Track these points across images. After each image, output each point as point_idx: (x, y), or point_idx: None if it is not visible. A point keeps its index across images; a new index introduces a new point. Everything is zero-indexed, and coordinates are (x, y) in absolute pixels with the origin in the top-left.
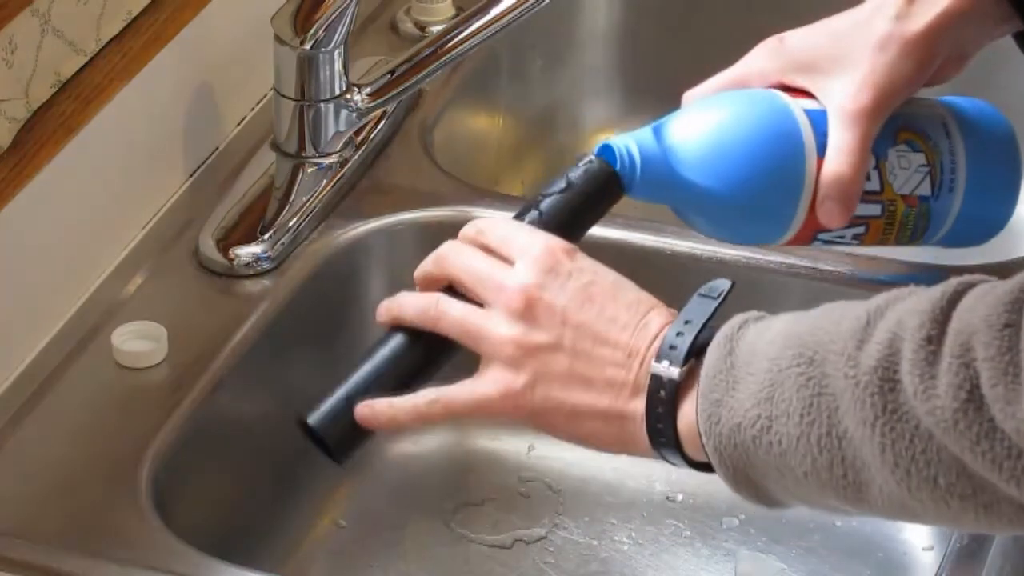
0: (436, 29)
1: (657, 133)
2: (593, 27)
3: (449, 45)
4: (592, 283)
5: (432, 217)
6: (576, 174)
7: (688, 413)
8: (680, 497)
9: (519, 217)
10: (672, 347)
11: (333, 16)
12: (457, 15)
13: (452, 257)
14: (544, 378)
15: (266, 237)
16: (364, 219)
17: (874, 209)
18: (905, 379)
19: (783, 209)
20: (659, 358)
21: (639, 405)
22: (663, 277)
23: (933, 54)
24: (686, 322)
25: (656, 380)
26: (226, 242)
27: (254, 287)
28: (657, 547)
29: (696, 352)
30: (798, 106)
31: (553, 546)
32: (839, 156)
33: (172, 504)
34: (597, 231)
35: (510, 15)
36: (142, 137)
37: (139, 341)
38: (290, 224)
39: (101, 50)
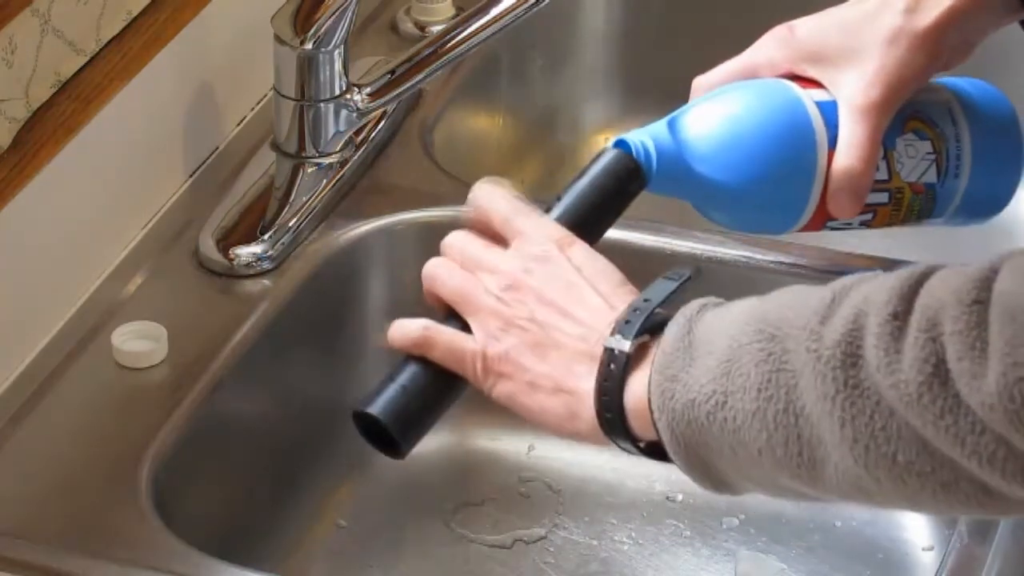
0: (436, 29)
1: (671, 127)
2: (593, 27)
3: (449, 45)
4: (579, 270)
5: (432, 217)
6: (596, 167)
7: (638, 390)
8: (680, 497)
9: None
10: (627, 322)
11: (333, 16)
12: (457, 15)
13: (455, 245)
14: (514, 349)
15: (266, 237)
16: (364, 219)
17: (882, 197)
18: (869, 353)
19: (795, 200)
20: (613, 332)
21: (590, 381)
22: None
23: (941, 47)
24: (644, 300)
25: (608, 353)
26: (226, 242)
27: (254, 287)
28: (657, 547)
29: (652, 330)
30: (809, 97)
31: (553, 546)
32: (850, 150)
33: (172, 504)
34: None
35: (510, 15)
36: (142, 137)
37: (139, 341)
38: (290, 224)
39: (101, 50)
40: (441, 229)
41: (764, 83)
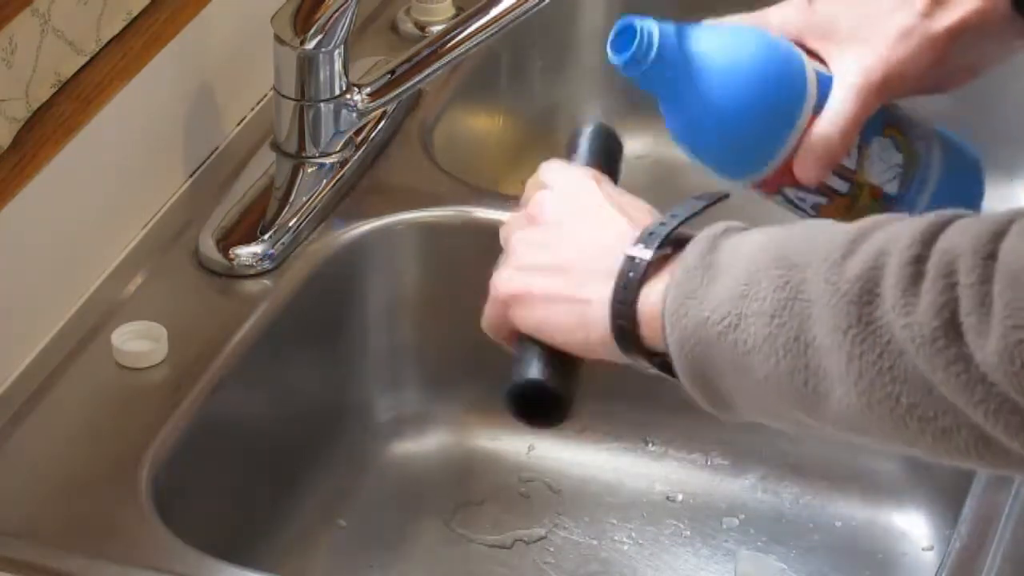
0: (436, 29)
1: (680, 31)
2: (593, 27)
3: (449, 45)
4: (608, 196)
5: (432, 217)
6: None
7: (654, 300)
8: (680, 497)
9: None
10: (651, 233)
11: (333, 16)
12: (457, 15)
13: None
14: (536, 268)
15: (266, 237)
16: (364, 219)
17: (842, 185)
18: (886, 292)
19: (766, 147)
20: (636, 242)
21: (607, 289)
22: None
23: (949, 56)
24: (671, 215)
25: (628, 261)
26: (226, 242)
27: (254, 287)
28: (657, 547)
29: (676, 244)
30: (811, 65)
31: (553, 546)
32: (834, 118)
33: (172, 504)
34: None
35: (510, 15)
36: (142, 137)
37: (139, 341)
38: (290, 224)
39: (101, 50)
40: (441, 229)
41: (774, 36)
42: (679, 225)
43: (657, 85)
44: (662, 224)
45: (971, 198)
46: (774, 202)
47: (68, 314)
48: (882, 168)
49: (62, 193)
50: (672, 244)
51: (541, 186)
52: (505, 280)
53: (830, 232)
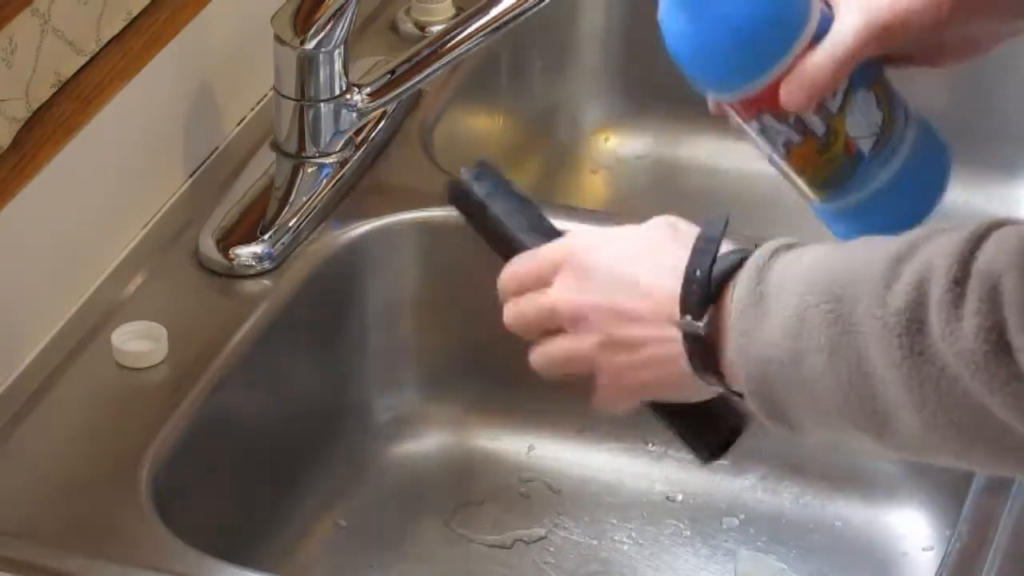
0: (436, 29)
1: None
2: (593, 27)
3: (449, 45)
4: (610, 267)
5: (432, 217)
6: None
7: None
8: (680, 497)
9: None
10: (687, 297)
11: (333, 16)
12: (457, 15)
13: (512, 320)
14: (613, 369)
15: (266, 237)
16: (364, 219)
17: (819, 127)
18: (932, 322)
19: (761, 58)
20: (682, 314)
21: (684, 361)
22: None
23: (953, 17)
24: (695, 272)
25: (687, 338)
26: (226, 242)
27: (254, 287)
28: (657, 547)
29: (722, 279)
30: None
31: (553, 546)
32: (830, 49)
33: (172, 504)
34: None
35: (510, 15)
36: (142, 137)
37: (139, 341)
38: (290, 224)
39: (101, 50)
40: (441, 229)
41: None
42: (711, 275)
43: None
44: (692, 285)
45: (935, 182)
46: (746, 133)
47: (68, 314)
48: (861, 122)
49: (62, 193)
50: (716, 282)
51: (555, 263)
52: (604, 359)
53: (870, 256)
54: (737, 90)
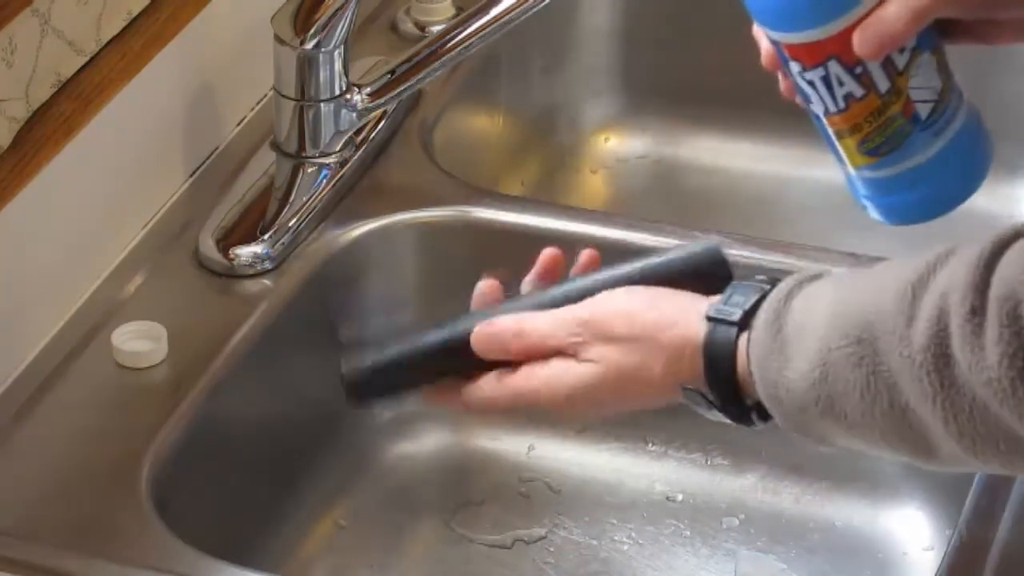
0: (436, 29)
1: None
2: (593, 27)
3: (449, 45)
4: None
5: (432, 217)
6: (686, 253)
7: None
8: (680, 497)
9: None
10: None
11: (333, 16)
12: (457, 15)
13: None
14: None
15: (266, 237)
16: (364, 219)
17: (883, 82)
18: (957, 355)
19: (836, 4)
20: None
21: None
22: None
23: None
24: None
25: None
26: (226, 242)
27: (254, 287)
28: (657, 547)
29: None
30: None
31: (553, 546)
32: (903, 3)
33: (172, 504)
34: (597, 231)
35: (510, 15)
36: (142, 137)
37: (139, 341)
38: (290, 224)
39: (101, 50)
40: (441, 229)
41: None
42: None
43: None
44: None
45: (979, 166)
46: (803, 82)
47: (68, 314)
48: (923, 83)
49: (62, 193)
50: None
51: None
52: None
53: (883, 291)
54: (810, 30)
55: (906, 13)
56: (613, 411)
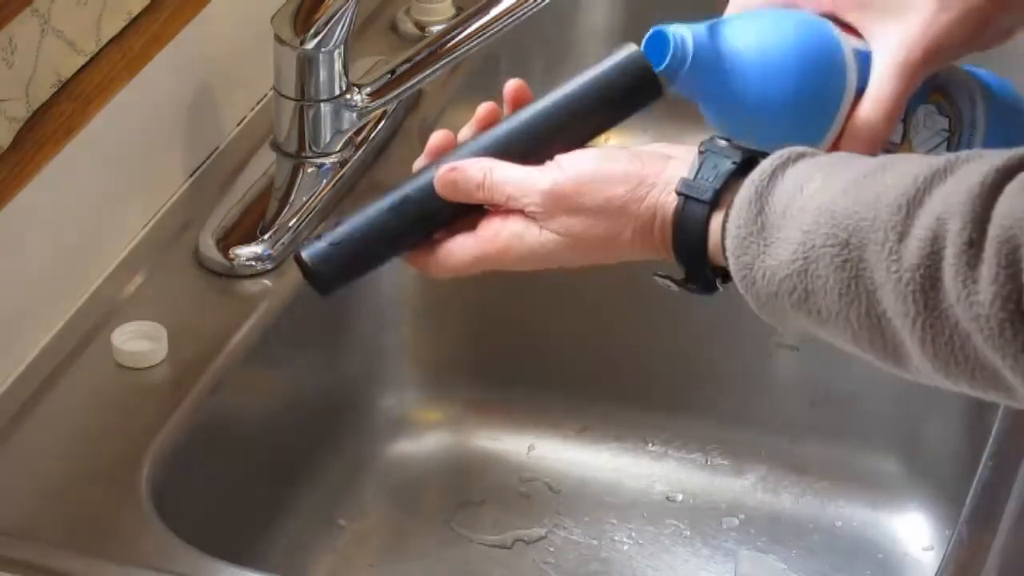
0: (436, 29)
1: (712, 31)
2: (593, 27)
3: (449, 45)
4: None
5: None
6: (610, 62)
7: (715, 251)
8: (680, 497)
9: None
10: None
11: (333, 16)
12: (457, 15)
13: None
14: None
15: (266, 237)
16: None
17: None
18: (947, 281)
19: (809, 136)
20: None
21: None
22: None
23: (988, 23)
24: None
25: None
26: (226, 242)
27: (254, 287)
28: (657, 547)
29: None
30: (848, 43)
31: (553, 546)
32: (876, 103)
33: (172, 504)
34: None
35: (510, 15)
36: (142, 137)
37: (139, 341)
38: (290, 224)
39: (101, 50)
40: None
41: (808, 17)
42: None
43: (693, 88)
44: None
45: (1021, 139)
46: None
47: (68, 314)
48: (928, 135)
49: (62, 193)
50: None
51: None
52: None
53: (877, 196)
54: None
55: (881, 117)
56: (585, 264)
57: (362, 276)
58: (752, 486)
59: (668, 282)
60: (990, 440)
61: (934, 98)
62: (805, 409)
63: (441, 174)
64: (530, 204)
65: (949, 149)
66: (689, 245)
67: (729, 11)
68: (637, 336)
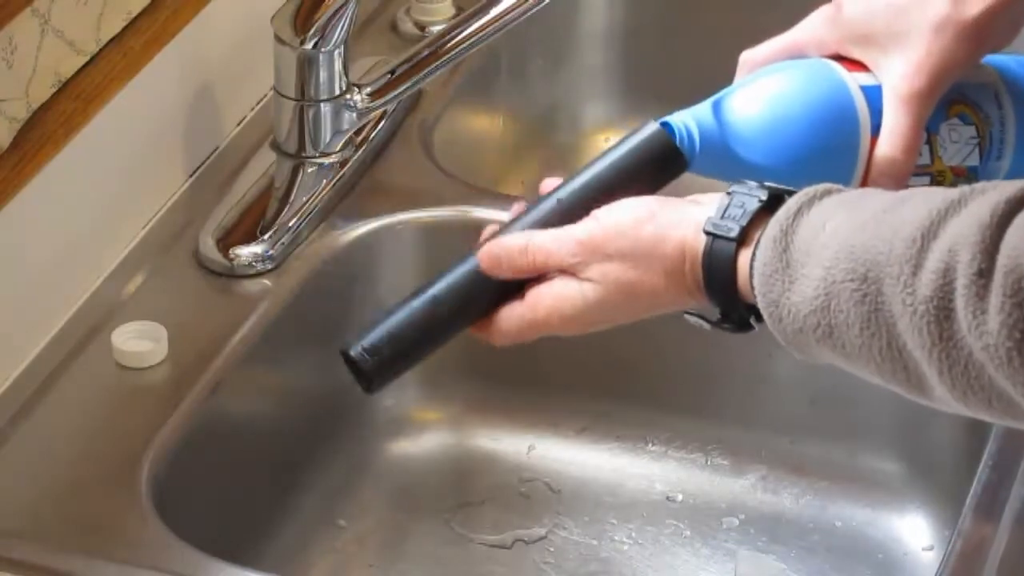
0: (436, 29)
1: (715, 110)
2: (593, 27)
3: (449, 45)
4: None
5: (432, 217)
6: (633, 142)
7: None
8: (680, 497)
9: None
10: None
11: (333, 16)
12: (457, 15)
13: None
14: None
15: (266, 237)
16: (364, 219)
17: (923, 181)
18: (959, 313)
19: (837, 182)
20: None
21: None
22: None
23: (989, 35)
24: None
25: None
26: (226, 242)
27: (254, 287)
28: (657, 547)
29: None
30: (854, 81)
31: (553, 546)
32: (893, 139)
33: (172, 504)
34: None
35: (510, 15)
36: (142, 137)
37: (139, 341)
38: (290, 224)
39: (101, 50)
40: (441, 229)
41: (810, 65)
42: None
43: (710, 170)
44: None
45: None
46: None
47: (68, 314)
48: (957, 148)
49: (62, 193)
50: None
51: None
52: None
53: (893, 229)
54: None
55: (899, 153)
56: (627, 320)
57: (407, 365)
58: (752, 486)
59: (700, 321)
60: (990, 440)
61: (954, 110)
62: (805, 409)
63: (484, 251)
64: (567, 256)
65: (981, 153)
66: (718, 283)
67: (740, 70)
68: (637, 336)
